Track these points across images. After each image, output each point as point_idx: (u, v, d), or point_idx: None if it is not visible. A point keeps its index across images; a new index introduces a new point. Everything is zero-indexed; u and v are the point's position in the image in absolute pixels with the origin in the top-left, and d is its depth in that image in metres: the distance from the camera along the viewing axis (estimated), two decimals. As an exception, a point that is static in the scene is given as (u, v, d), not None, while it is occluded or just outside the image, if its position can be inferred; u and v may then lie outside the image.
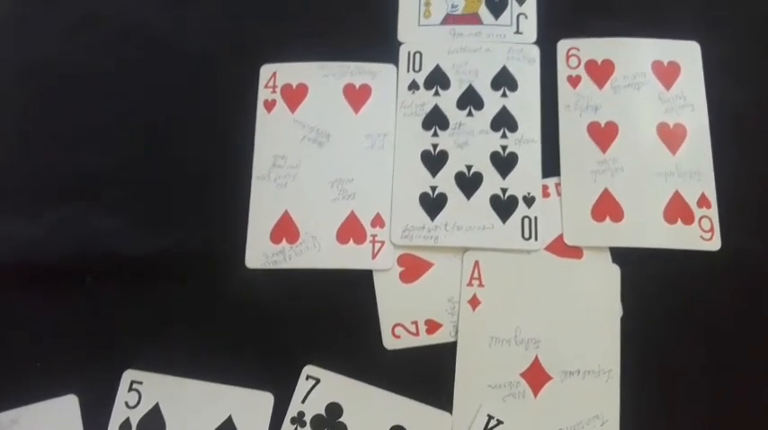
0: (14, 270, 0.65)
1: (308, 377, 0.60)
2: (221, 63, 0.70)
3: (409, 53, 0.69)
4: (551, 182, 0.65)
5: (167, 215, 0.66)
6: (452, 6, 0.70)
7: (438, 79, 0.68)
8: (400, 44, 0.69)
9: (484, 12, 0.70)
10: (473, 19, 0.70)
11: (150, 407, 0.60)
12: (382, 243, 0.63)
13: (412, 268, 0.63)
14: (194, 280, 0.63)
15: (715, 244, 0.62)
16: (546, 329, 0.60)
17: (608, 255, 0.62)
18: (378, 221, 0.64)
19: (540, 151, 0.65)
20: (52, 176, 0.67)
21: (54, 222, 0.65)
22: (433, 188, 0.64)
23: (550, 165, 0.65)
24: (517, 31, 0.69)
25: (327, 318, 0.62)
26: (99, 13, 0.72)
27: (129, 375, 0.60)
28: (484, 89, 0.67)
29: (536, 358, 0.60)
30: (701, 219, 0.63)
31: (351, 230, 0.64)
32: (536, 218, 0.63)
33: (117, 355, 0.61)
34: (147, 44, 0.71)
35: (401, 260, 0.63)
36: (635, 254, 0.62)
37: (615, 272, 0.62)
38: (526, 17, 0.69)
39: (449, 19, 0.70)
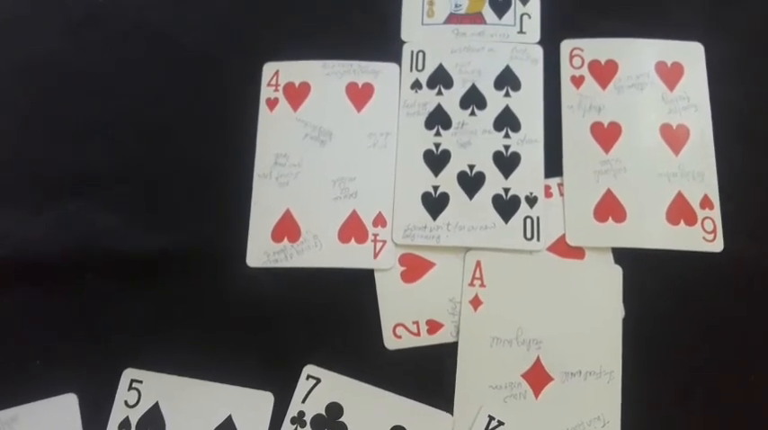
0: (14, 267, 0.64)
1: (308, 377, 0.60)
2: (224, 61, 0.69)
3: (412, 52, 0.68)
4: (554, 182, 0.64)
5: (168, 213, 0.66)
6: (456, 6, 0.70)
7: (441, 78, 0.67)
8: (403, 43, 0.69)
9: (487, 11, 0.70)
10: (476, 18, 0.70)
11: (150, 405, 0.60)
12: (384, 242, 0.63)
13: (413, 268, 0.63)
14: (195, 278, 0.63)
15: (717, 245, 0.62)
16: (548, 330, 0.60)
17: (610, 256, 0.62)
18: (379, 220, 0.64)
19: (543, 151, 0.65)
20: (53, 173, 0.67)
21: (54, 219, 0.65)
22: (436, 187, 0.64)
23: (553, 165, 0.65)
24: (520, 31, 0.69)
25: (328, 317, 0.62)
26: (101, 11, 0.72)
27: (128, 374, 0.60)
28: (487, 89, 0.67)
29: (537, 359, 0.60)
30: (703, 220, 0.63)
31: (352, 229, 0.63)
32: (538, 218, 0.63)
33: (117, 354, 0.61)
34: (150, 42, 0.71)
35: (403, 259, 0.63)
36: (637, 254, 0.62)
37: (617, 272, 0.61)
38: (530, 17, 0.69)
39: (452, 18, 0.70)
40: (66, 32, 0.72)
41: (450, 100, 0.67)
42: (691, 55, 0.68)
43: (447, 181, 0.64)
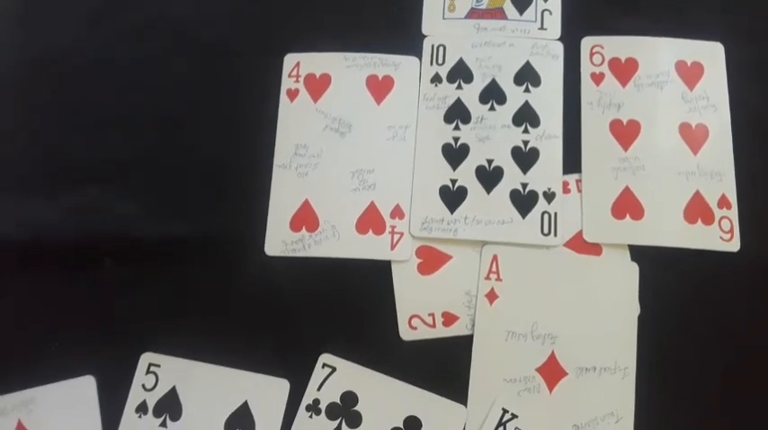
0: (34, 252, 0.65)
1: (324, 365, 0.60)
2: (245, 52, 0.70)
3: (433, 46, 0.69)
4: (572, 178, 0.65)
5: (187, 201, 0.66)
6: (477, 1, 0.70)
7: (461, 73, 0.68)
8: (424, 37, 0.69)
9: (509, 7, 0.70)
10: (498, 14, 0.70)
11: (167, 390, 0.60)
12: (401, 234, 0.63)
13: (430, 260, 0.63)
14: (214, 265, 0.64)
15: (734, 245, 0.62)
16: (563, 325, 0.61)
17: (627, 253, 0.62)
18: (397, 212, 0.64)
19: (562, 147, 0.65)
20: (71, 161, 0.68)
21: (72, 206, 0.66)
22: (454, 181, 0.65)
23: (572, 161, 0.65)
24: (541, 27, 0.69)
25: (345, 307, 0.62)
26: (121, 2, 0.73)
27: (146, 358, 0.61)
28: (507, 84, 0.67)
29: (552, 353, 0.60)
30: (721, 219, 0.63)
31: (370, 221, 0.64)
32: (556, 213, 0.63)
33: (135, 338, 0.62)
34: (170, 33, 0.71)
35: (420, 252, 0.63)
36: (654, 252, 0.62)
37: (634, 269, 0.62)
38: (551, 13, 0.69)
39: (473, 13, 0.70)
40: (87, 24, 0.72)
41: (469, 94, 0.67)
42: (711, 55, 0.68)
43: (465, 175, 0.65)
